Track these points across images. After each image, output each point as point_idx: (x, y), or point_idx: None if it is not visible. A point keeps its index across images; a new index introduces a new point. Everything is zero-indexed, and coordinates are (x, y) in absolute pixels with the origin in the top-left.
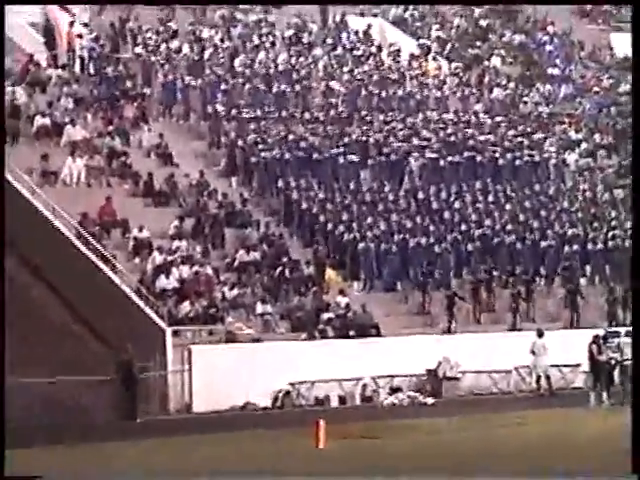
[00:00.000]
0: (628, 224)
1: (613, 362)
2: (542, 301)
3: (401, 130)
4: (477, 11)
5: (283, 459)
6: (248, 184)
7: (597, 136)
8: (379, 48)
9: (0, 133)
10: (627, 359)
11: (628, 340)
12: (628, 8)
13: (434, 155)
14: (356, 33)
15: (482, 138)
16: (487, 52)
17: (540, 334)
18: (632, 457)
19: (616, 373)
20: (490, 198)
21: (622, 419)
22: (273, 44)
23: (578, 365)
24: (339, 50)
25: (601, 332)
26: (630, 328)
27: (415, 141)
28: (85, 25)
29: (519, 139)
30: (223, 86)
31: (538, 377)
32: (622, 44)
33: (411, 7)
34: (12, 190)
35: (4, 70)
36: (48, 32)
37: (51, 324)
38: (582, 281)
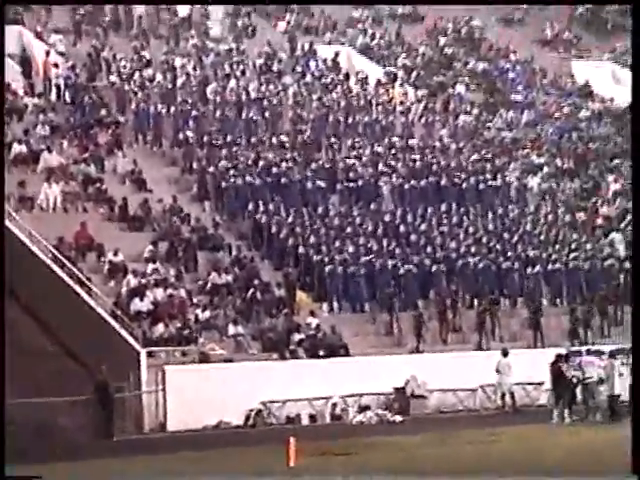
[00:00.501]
0: (588, 246)
1: (575, 380)
2: (506, 321)
3: (368, 156)
4: (442, 40)
5: (255, 476)
6: (220, 209)
7: (558, 160)
8: (346, 76)
9: None
10: (589, 377)
11: (590, 359)
12: (591, 36)
13: (400, 180)
14: (324, 61)
15: (447, 163)
16: (452, 79)
17: (505, 353)
18: (632, 457)
19: (578, 391)
20: (454, 221)
21: (585, 436)
22: (244, 72)
23: (541, 383)
24: (308, 78)
25: (563, 351)
26: (592, 347)
27: (381, 166)
28: (61, 54)
29: (483, 164)
30: (195, 113)
31: (503, 395)
32: (582, 72)
33: (378, 35)
34: None
35: (4, 71)
36: (24, 61)
37: (27, 346)
38: (544, 302)
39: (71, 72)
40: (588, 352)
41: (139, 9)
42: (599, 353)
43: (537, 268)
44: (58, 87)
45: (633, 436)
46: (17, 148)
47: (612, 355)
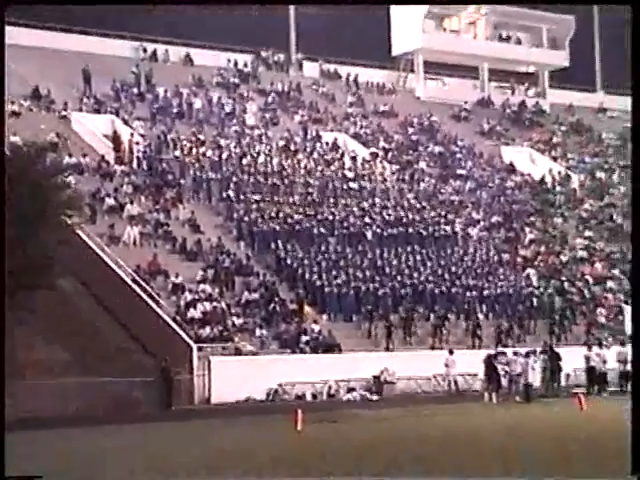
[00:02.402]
0: (511, 278)
1: (503, 372)
2: (453, 330)
3: (357, 211)
4: (410, 130)
5: (272, 436)
6: (251, 247)
7: (490, 216)
8: (342, 154)
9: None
10: (512, 370)
11: (513, 357)
12: (515, 129)
13: (379, 228)
14: (327, 143)
15: (412, 217)
16: (416, 158)
17: (451, 352)
18: (632, 457)
19: (505, 380)
20: (418, 258)
21: (509, 413)
22: (270, 150)
23: (476, 374)
24: (315, 155)
25: (492, 352)
26: (513, 349)
27: (367, 219)
28: (141, 135)
29: (438, 218)
30: (234, 179)
31: (449, 382)
32: (508, 154)
33: (365, 125)
34: (89, 249)
35: (4, 73)
36: (115, 140)
37: (112, 342)
38: (480, 316)
39: (148, 148)
40: (514, 353)
41: (197, 103)
42: (518, 354)
43: (474, 293)
44: (138, 158)
45: (633, 436)
46: (109, 201)
47: (527, 355)
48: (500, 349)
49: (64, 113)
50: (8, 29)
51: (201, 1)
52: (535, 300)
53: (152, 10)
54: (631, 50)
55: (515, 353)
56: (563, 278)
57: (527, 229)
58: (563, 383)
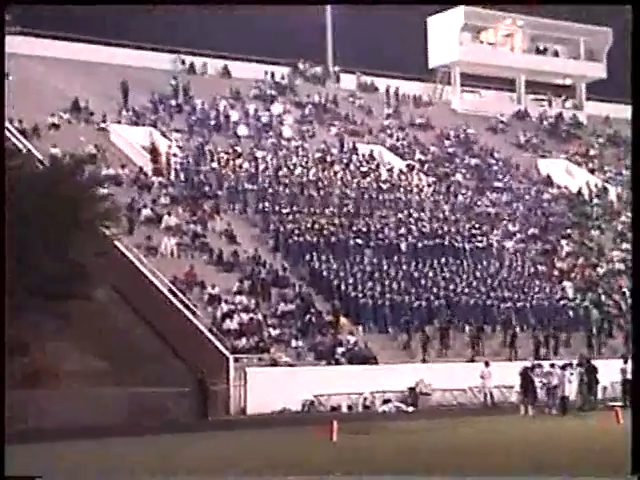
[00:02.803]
0: (547, 290)
1: (539, 385)
2: (489, 342)
3: (393, 222)
4: (447, 142)
5: (307, 447)
6: (287, 258)
7: (526, 229)
8: (378, 166)
9: None
10: (548, 383)
11: (549, 370)
12: (552, 142)
13: (415, 240)
14: (363, 155)
15: (448, 229)
16: (453, 170)
17: (487, 364)
18: (632, 457)
19: (541, 393)
20: (453, 270)
21: (545, 425)
22: (306, 162)
23: (512, 387)
24: (351, 167)
25: (529, 364)
26: (549, 361)
27: (402, 230)
28: (179, 147)
29: (473, 230)
30: (270, 190)
31: (485, 394)
32: (545, 167)
33: (402, 137)
34: (125, 260)
35: (4, 73)
36: (153, 152)
37: (148, 352)
38: (516, 329)
39: (185, 160)
40: (551, 365)
41: (234, 116)
42: (554, 366)
43: (510, 305)
44: (176, 170)
45: (633, 436)
46: (146, 212)
47: (563, 368)
48: (536, 361)
49: (103, 125)
50: (47, 42)
51: (203, 1)
52: (572, 312)
53: (190, 23)
54: (632, 50)
55: (552, 365)
56: (600, 290)
57: (564, 241)
58: (600, 396)
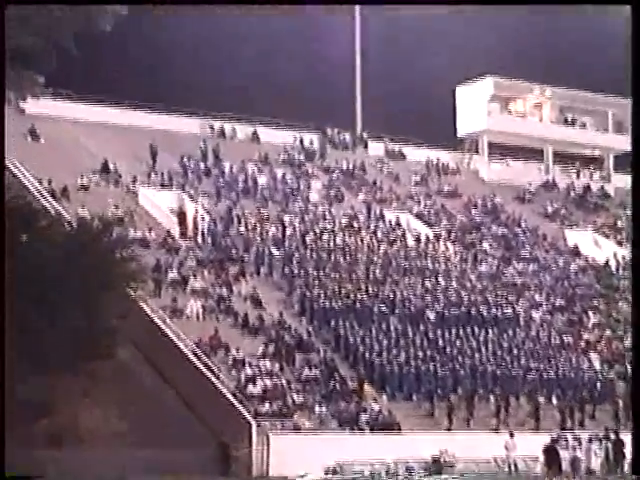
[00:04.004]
0: (574, 361)
1: (564, 457)
2: (514, 412)
3: (419, 290)
4: (473, 211)
5: None
6: (312, 322)
7: (554, 299)
8: (405, 233)
9: None
10: (574, 455)
11: (574, 442)
12: (579, 213)
13: (441, 308)
14: (390, 222)
15: (475, 298)
16: (479, 239)
17: (511, 435)
18: (632, 457)
19: (566, 465)
20: (479, 339)
21: None
22: (333, 228)
23: (537, 458)
24: (378, 234)
25: (555, 435)
26: (578, 433)
27: (428, 298)
28: (206, 211)
29: (500, 299)
30: (297, 255)
31: (509, 465)
32: (572, 238)
33: (429, 203)
34: (150, 321)
35: (4, 73)
36: (181, 215)
37: (170, 414)
38: (541, 399)
39: (212, 223)
40: (574, 438)
41: (263, 180)
42: (580, 438)
43: (535, 375)
44: (203, 233)
45: (633, 436)
46: (172, 274)
47: (589, 440)
48: (562, 433)
49: (131, 187)
50: (78, 105)
51: (209, 1)
52: (598, 384)
53: (220, 87)
54: (632, 50)
55: (577, 438)
56: (627, 363)
57: (590, 313)
58: (627, 470)
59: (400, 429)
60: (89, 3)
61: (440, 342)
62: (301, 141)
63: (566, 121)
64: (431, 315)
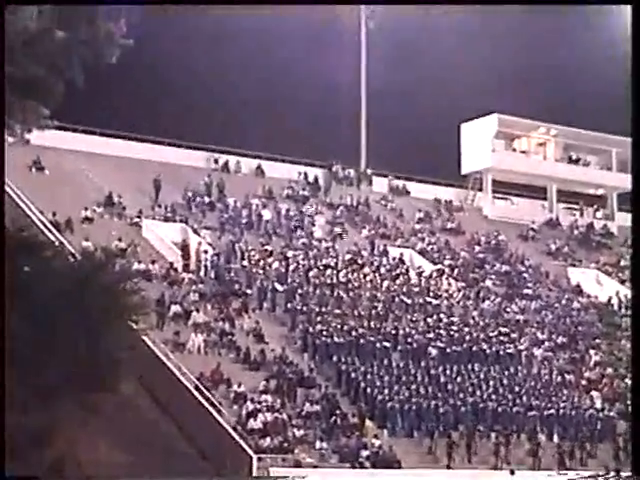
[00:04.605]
0: (575, 399)
1: None
2: (514, 450)
3: (421, 327)
4: (477, 248)
5: None
6: (314, 358)
7: (555, 337)
8: (408, 269)
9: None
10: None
11: None
12: (582, 251)
13: (443, 345)
14: (393, 258)
15: (477, 335)
16: (482, 276)
17: (512, 472)
18: (632, 457)
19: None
20: (480, 376)
21: None
22: (336, 263)
23: None
24: (382, 270)
25: (554, 474)
26: (576, 472)
27: (431, 334)
28: (209, 244)
29: (502, 337)
30: (300, 291)
31: None
32: (575, 276)
33: (433, 240)
34: (154, 356)
35: (4, 72)
36: (184, 248)
37: (171, 447)
38: (542, 437)
39: (215, 257)
40: (574, 475)
41: (267, 214)
42: (581, 477)
43: (536, 412)
44: (205, 267)
45: (633, 436)
46: (174, 308)
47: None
48: (562, 472)
49: (135, 220)
50: (82, 137)
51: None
52: (599, 423)
53: (225, 121)
54: (632, 50)
55: (578, 476)
56: (629, 402)
57: (592, 351)
58: None
59: (401, 466)
60: (94, 3)
61: (442, 378)
62: (305, 176)
63: (570, 159)
64: (433, 351)
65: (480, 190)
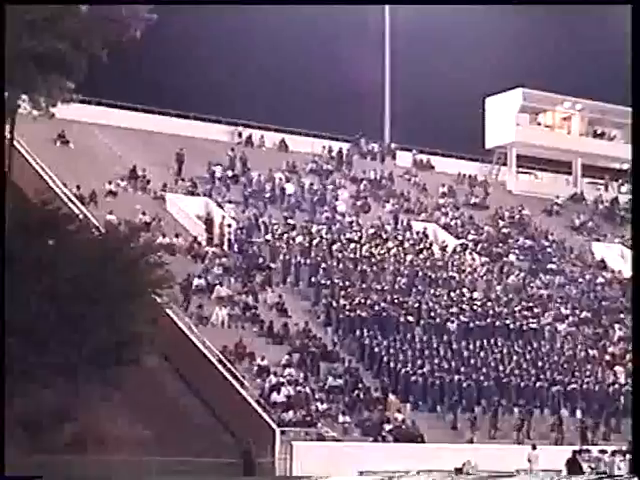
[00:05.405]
0: (598, 374)
1: (587, 470)
2: (537, 425)
3: (444, 301)
4: (501, 222)
5: None
6: (337, 332)
7: (578, 312)
8: (431, 244)
9: None
10: (597, 469)
11: (598, 455)
12: (607, 226)
13: (466, 319)
14: (417, 233)
15: (500, 310)
16: (506, 251)
17: (534, 447)
18: (632, 457)
19: (590, 478)
20: (504, 350)
21: None
22: (360, 237)
23: (560, 471)
24: (405, 244)
25: (576, 448)
26: (598, 447)
27: (454, 309)
28: (233, 218)
29: (525, 311)
30: (323, 265)
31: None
32: (599, 250)
33: (457, 214)
34: (177, 329)
35: (4, 72)
36: (208, 222)
37: (194, 421)
38: (565, 412)
39: (239, 231)
40: (600, 451)
41: (290, 189)
42: (603, 452)
43: (559, 387)
44: (229, 240)
45: (633, 436)
46: (198, 281)
47: (613, 454)
48: (585, 446)
49: (159, 194)
50: (107, 110)
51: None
52: (622, 398)
53: (249, 95)
54: (632, 50)
55: (601, 451)
56: None
57: (616, 326)
58: None
59: (423, 440)
60: (93, 3)
61: (465, 353)
62: (329, 150)
63: (595, 133)
64: (456, 326)
65: (504, 165)
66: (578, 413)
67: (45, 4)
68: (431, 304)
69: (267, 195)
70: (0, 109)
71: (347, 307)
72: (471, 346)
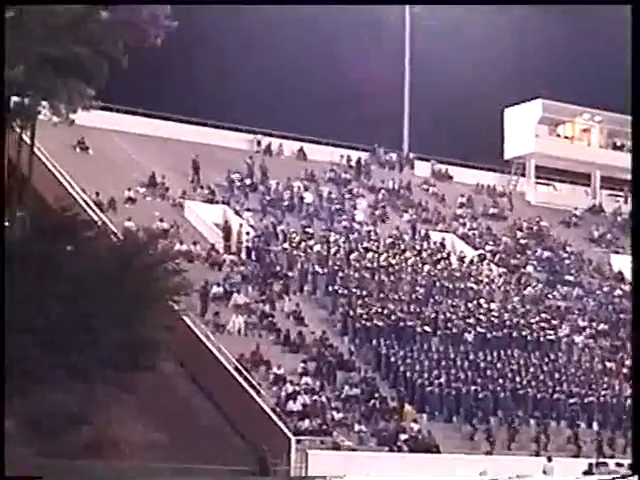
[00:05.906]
0: (616, 387)
1: None
2: (554, 437)
3: (461, 312)
4: (519, 233)
5: None
6: (354, 341)
7: (596, 324)
8: (449, 254)
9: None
10: None
11: (614, 468)
12: (626, 237)
13: (483, 330)
14: (434, 243)
15: (517, 321)
16: (524, 262)
17: (549, 459)
18: (632, 457)
19: None
20: (520, 362)
21: None
22: (378, 248)
23: None
24: (423, 254)
25: (593, 461)
26: (618, 460)
27: (471, 320)
28: (251, 226)
29: (543, 323)
30: (341, 274)
31: None
32: (617, 262)
33: (475, 225)
34: (194, 336)
35: (4, 71)
36: (226, 229)
37: (209, 428)
38: (582, 424)
39: (257, 239)
40: (616, 464)
41: (308, 197)
42: (620, 465)
43: (576, 400)
44: (247, 248)
45: (633, 436)
46: (216, 289)
47: (629, 467)
48: (601, 459)
49: (178, 201)
50: (127, 118)
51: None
52: None
53: (269, 104)
54: (632, 50)
55: (618, 464)
56: None
57: None
58: None
59: (439, 450)
60: (93, 3)
61: (481, 364)
62: (348, 159)
63: (615, 146)
64: (473, 337)
65: (523, 175)
66: (595, 425)
67: (44, 4)
68: (448, 314)
69: (285, 203)
70: (0, 109)
71: (364, 316)
72: (488, 357)
